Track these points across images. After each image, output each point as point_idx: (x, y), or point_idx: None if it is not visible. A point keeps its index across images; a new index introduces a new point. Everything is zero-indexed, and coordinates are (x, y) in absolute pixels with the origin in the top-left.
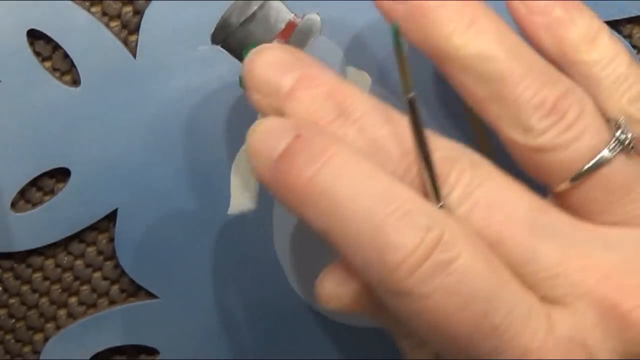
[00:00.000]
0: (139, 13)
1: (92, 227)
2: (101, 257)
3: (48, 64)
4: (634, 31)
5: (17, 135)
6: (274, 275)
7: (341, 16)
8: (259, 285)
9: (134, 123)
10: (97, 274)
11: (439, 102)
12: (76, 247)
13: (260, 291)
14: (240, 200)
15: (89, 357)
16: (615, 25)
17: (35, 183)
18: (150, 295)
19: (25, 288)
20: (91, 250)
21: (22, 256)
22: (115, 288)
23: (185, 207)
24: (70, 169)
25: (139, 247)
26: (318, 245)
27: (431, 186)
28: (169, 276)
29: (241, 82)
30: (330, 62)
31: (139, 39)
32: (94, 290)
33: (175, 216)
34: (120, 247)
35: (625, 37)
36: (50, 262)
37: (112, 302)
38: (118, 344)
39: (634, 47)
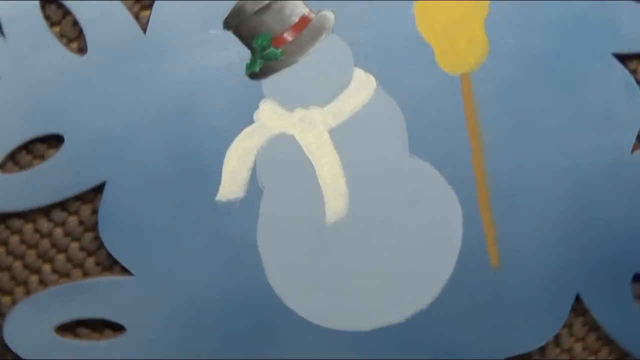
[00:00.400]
0: None
1: (77, 197)
2: (81, 228)
3: (56, 29)
4: None
5: (15, 96)
6: (253, 267)
7: (355, 19)
8: (236, 275)
9: (135, 99)
10: (75, 244)
11: (437, 108)
12: (58, 214)
13: (236, 281)
14: (230, 187)
15: (54, 326)
16: (622, 59)
17: (25, 146)
18: (126, 272)
19: (0, 249)
20: (72, 219)
21: (2, 217)
22: (91, 260)
23: (174, 188)
24: (65, 136)
25: (122, 222)
26: (300, 243)
27: None
28: (147, 255)
29: (247, 70)
30: (338, 61)
31: (151, 16)
32: (69, 259)
33: (164, 196)
34: (103, 220)
35: (631, 71)
36: (29, 227)
37: (86, 274)
38: (86, 316)
39: (638, 82)
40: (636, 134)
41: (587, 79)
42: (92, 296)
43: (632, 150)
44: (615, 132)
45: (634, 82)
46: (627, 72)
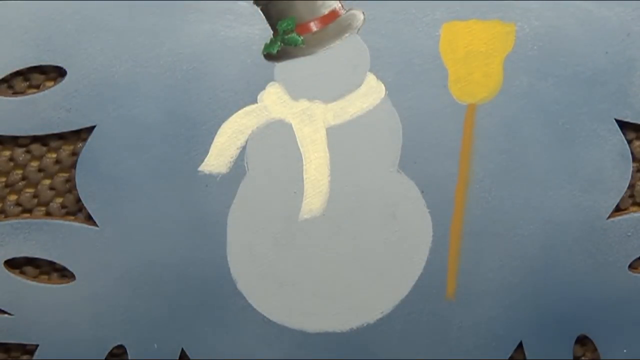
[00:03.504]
0: None
1: (60, 135)
2: (57, 167)
3: None
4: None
5: (27, 22)
6: (216, 245)
7: (382, 25)
8: (198, 249)
9: (146, 51)
10: (46, 182)
11: (437, 132)
12: (37, 148)
13: (197, 255)
14: (215, 161)
15: (4, 259)
16: (623, 126)
17: (22, 72)
18: (89, 221)
19: None
20: (51, 156)
21: None
22: (57, 201)
23: (161, 149)
24: (68, 71)
25: (101, 170)
26: (269, 232)
27: None
28: (116, 209)
29: (264, 49)
30: (355, 62)
31: None
32: (35, 196)
33: (148, 154)
34: (82, 164)
35: (628, 140)
36: (6, 153)
37: (49, 214)
38: (39, 256)
39: (631, 153)
40: (617, 201)
41: (585, 137)
42: (50, 238)
43: (609, 216)
44: (598, 195)
45: (629, 151)
46: (624, 139)
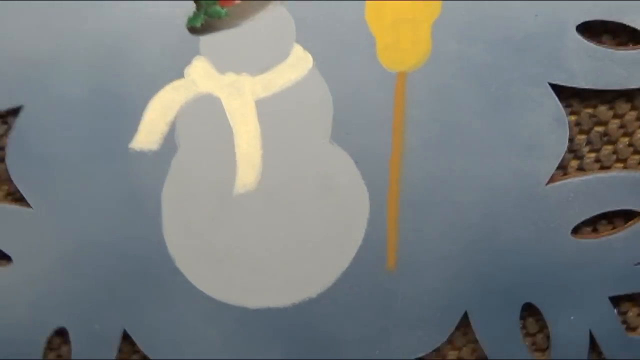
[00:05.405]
0: None
1: None
2: None
3: None
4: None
5: None
6: (152, 222)
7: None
8: (133, 227)
9: (69, 29)
10: None
11: (367, 101)
12: None
13: (132, 233)
14: (146, 138)
15: None
16: (557, 90)
17: None
18: (24, 202)
19: None
20: None
21: None
22: None
23: (90, 127)
24: None
25: (31, 151)
26: (203, 208)
27: None
28: (49, 190)
29: (188, 23)
30: (280, 34)
31: None
32: None
33: (78, 133)
34: (12, 146)
35: (564, 106)
36: None
37: None
38: None
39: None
40: (555, 166)
41: (520, 102)
42: None
43: (547, 182)
44: (536, 161)
45: (565, 115)
46: (559, 103)
